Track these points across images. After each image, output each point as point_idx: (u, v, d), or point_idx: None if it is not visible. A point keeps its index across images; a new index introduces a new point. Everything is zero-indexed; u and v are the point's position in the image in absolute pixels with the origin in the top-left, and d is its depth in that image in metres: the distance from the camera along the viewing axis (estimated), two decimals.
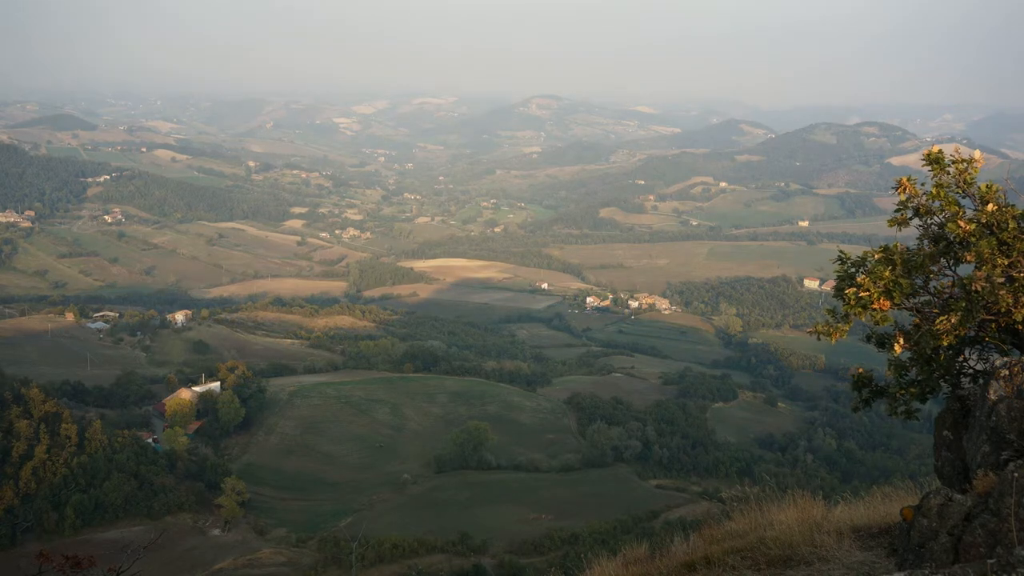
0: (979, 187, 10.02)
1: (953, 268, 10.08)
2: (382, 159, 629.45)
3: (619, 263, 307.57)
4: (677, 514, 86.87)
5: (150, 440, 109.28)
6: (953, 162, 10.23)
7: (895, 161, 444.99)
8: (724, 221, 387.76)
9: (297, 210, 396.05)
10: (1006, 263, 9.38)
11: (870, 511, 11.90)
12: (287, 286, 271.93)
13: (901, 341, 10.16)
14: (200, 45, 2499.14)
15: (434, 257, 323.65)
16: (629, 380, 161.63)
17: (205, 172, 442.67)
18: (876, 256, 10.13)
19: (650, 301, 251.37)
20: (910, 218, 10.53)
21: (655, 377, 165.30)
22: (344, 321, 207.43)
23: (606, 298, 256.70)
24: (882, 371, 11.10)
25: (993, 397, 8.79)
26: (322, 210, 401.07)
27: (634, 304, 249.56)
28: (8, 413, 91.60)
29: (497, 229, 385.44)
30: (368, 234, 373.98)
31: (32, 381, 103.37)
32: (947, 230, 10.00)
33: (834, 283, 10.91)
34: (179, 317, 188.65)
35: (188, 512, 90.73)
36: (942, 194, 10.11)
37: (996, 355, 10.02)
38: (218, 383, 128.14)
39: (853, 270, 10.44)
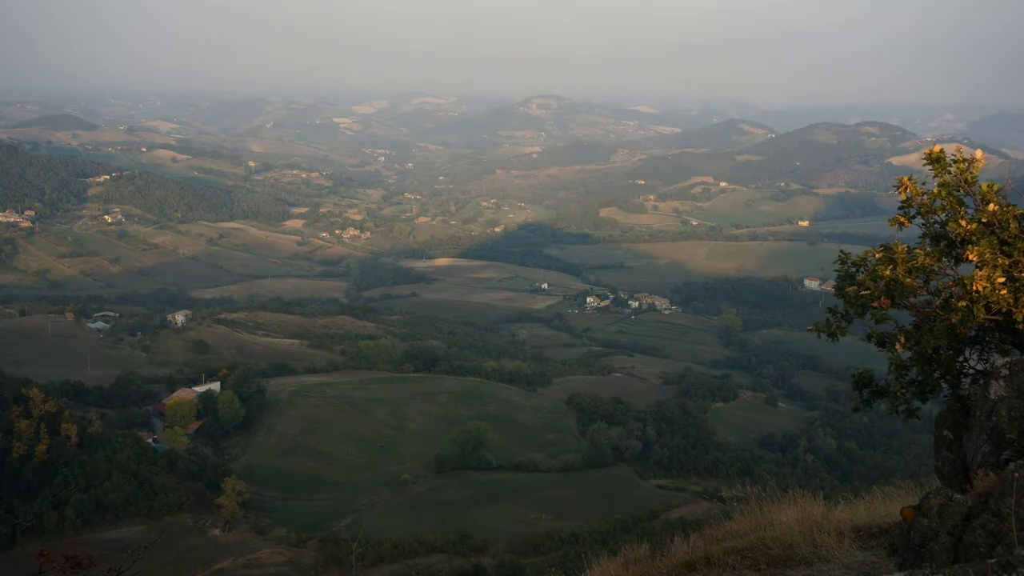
0: (980, 187, 10.02)
1: (954, 268, 10.07)
2: (382, 159, 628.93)
3: (619, 263, 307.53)
4: (677, 514, 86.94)
5: (150, 440, 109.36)
6: (954, 162, 10.23)
7: (895, 161, 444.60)
8: (724, 221, 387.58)
9: (297, 210, 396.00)
10: (1007, 263, 9.38)
11: (870, 511, 11.89)
12: (287, 286, 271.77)
13: (902, 340, 10.15)
14: (200, 46, 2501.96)
15: (434, 257, 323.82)
16: (629, 380, 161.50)
17: (205, 172, 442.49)
18: (877, 256, 10.13)
19: (650, 301, 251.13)
20: (911, 217, 10.53)
21: (655, 377, 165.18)
22: (344, 321, 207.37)
23: (606, 298, 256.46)
24: (882, 371, 11.09)
25: (993, 397, 8.79)
26: (322, 210, 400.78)
27: (634, 304, 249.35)
28: (8, 413, 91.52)
29: (497, 229, 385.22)
30: (368, 234, 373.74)
31: (32, 381, 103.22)
32: (948, 229, 10.00)
33: (834, 283, 10.91)
34: (179, 317, 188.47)
35: (188, 512, 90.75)
36: (943, 193, 10.11)
37: (996, 355, 10.03)
38: (218, 383, 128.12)
39: (854, 270, 10.45)
